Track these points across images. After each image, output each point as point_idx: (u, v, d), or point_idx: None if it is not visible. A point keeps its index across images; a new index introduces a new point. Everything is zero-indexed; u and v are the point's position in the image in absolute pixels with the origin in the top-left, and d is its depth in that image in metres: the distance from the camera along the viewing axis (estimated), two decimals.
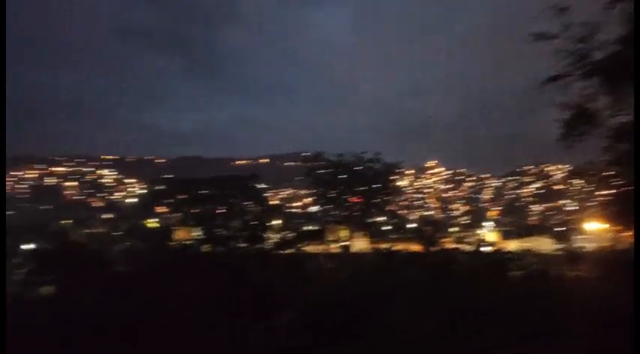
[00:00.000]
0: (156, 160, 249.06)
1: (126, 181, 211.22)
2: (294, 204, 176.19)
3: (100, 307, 11.32)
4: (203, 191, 55.74)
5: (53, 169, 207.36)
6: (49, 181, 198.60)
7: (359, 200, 70.14)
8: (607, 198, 12.99)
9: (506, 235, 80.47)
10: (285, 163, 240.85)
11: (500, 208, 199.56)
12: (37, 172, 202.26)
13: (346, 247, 63.32)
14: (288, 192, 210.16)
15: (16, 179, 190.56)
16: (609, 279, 14.00)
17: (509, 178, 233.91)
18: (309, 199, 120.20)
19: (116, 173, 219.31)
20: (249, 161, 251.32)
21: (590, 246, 47.88)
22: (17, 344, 9.75)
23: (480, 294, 13.81)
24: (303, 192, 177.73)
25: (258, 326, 9.47)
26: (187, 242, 29.36)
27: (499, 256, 36.26)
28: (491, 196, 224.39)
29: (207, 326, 8.83)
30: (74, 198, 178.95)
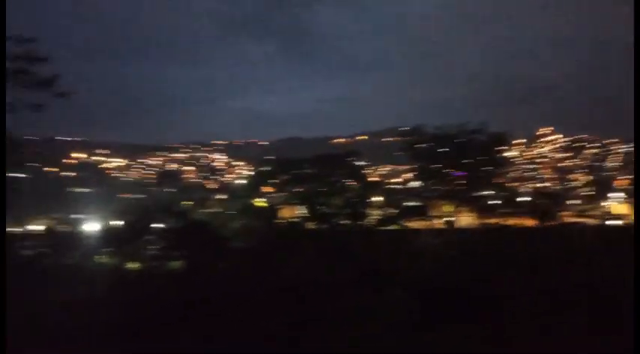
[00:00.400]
0: (259, 143, 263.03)
1: (234, 163, 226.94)
2: (393, 180, 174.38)
3: (228, 279, 12.46)
4: (305, 170, 57.85)
5: (173, 155, 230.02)
6: (171, 166, 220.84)
7: (463, 173, 66.98)
8: None
9: None
10: (383, 139, 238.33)
11: (632, 176, 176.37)
12: (160, 159, 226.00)
13: (451, 223, 61.25)
14: (387, 168, 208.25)
15: (143, 166, 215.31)
16: None
17: None
18: (409, 175, 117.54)
19: (226, 157, 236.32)
20: (347, 139, 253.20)
21: None
22: (149, 313, 11.17)
23: (605, 271, 12.54)
24: (402, 167, 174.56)
25: (369, 301, 9.72)
26: (293, 220, 30.85)
27: (630, 230, 32.37)
28: (620, 164, 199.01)
29: (321, 299, 9.30)
30: (192, 181, 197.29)
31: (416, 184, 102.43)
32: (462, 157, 67.34)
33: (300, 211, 35.68)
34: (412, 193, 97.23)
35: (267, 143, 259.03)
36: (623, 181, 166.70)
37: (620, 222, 43.95)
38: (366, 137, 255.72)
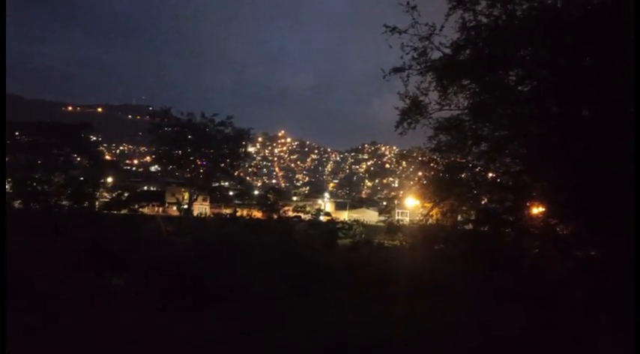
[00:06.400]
0: None
1: None
2: (132, 161, 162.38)
3: None
4: (18, 137, 47.36)
5: None
6: None
7: (205, 163, 68.28)
8: (423, 180, 15.13)
9: (340, 206, 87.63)
10: (129, 116, 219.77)
11: (338, 181, 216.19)
12: None
13: (187, 211, 61.42)
14: (126, 147, 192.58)
15: None
16: (418, 247, 16.55)
17: (350, 153, 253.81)
18: (150, 158, 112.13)
19: None
20: (81, 108, 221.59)
21: (406, 219, 55.43)
22: None
23: (315, 259, 14.95)
24: (143, 149, 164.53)
25: (88, 289, 8.62)
26: None
27: (332, 225, 39.50)
28: (332, 169, 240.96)
29: (30, 286, 7.70)
30: None
31: (156, 167, 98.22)
32: (206, 147, 68.64)
33: (7, 185, 28.98)
34: (151, 177, 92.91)
35: None
36: (332, 184, 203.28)
37: (327, 218, 53.14)
38: (102, 110, 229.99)
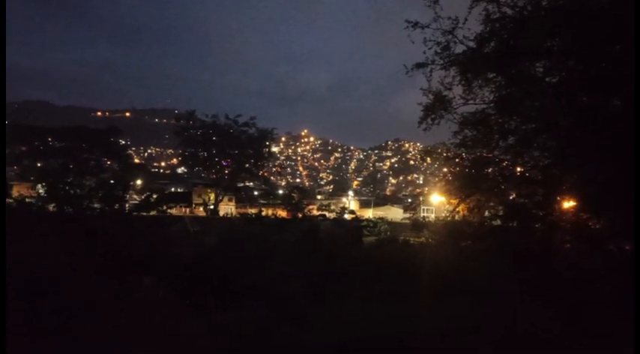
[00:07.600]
0: None
1: None
2: (160, 164, 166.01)
3: None
4: (51, 143, 49.07)
5: None
6: None
7: (230, 163, 69.26)
8: (449, 175, 14.89)
9: (365, 204, 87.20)
10: (155, 120, 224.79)
11: (361, 178, 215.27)
12: None
13: (214, 211, 62.41)
14: (153, 150, 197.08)
15: None
16: (444, 244, 16.32)
17: (373, 151, 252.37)
18: (177, 160, 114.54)
19: None
20: (109, 113, 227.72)
21: (431, 216, 54.73)
22: None
23: (340, 257, 14.95)
24: (170, 151, 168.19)
25: (119, 290, 8.86)
26: (28, 200, 25.74)
27: (357, 223, 39.39)
28: (356, 167, 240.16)
29: (63, 287, 7.99)
30: None
31: (182, 169, 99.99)
32: (231, 148, 69.63)
33: (41, 190, 30.02)
34: (178, 179, 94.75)
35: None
36: (356, 182, 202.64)
37: (351, 216, 52.96)
38: (130, 114, 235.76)
